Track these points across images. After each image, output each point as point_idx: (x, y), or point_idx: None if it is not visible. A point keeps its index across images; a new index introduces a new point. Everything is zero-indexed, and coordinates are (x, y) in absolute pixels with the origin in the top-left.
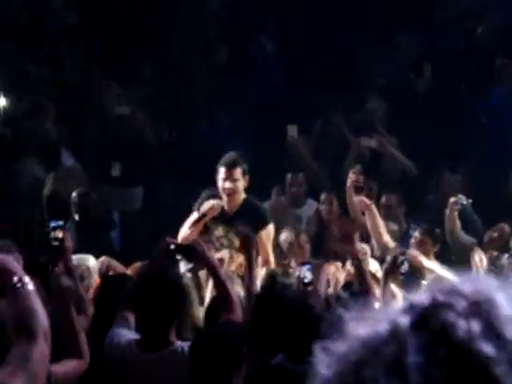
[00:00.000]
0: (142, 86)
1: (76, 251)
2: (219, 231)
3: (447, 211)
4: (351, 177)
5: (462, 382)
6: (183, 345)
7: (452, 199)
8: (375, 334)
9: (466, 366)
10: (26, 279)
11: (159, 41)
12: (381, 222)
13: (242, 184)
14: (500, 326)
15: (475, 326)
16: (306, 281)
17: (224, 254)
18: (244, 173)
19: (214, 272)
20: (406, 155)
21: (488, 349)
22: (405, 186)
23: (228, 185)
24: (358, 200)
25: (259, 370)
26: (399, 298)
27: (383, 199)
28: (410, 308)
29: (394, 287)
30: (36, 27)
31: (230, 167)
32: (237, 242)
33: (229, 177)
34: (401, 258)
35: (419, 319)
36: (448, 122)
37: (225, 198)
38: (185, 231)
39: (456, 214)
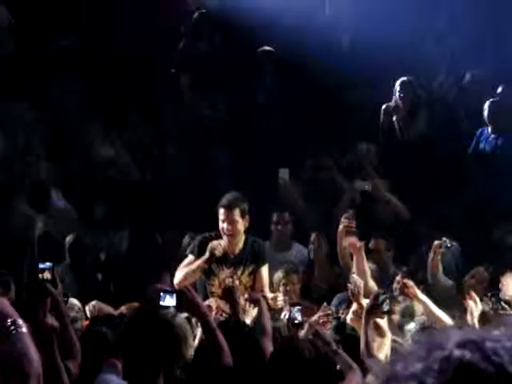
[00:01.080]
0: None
1: (66, 293)
2: (224, 273)
3: (431, 254)
4: (343, 222)
5: None
6: None
7: (436, 242)
8: None
9: None
10: (20, 322)
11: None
12: (367, 268)
13: (241, 224)
14: None
15: None
16: (296, 322)
17: (211, 301)
18: (243, 213)
19: (203, 320)
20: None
21: None
22: (397, 230)
23: (227, 226)
24: (348, 242)
25: None
26: (388, 336)
27: (372, 243)
28: (436, 370)
29: (383, 326)
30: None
31: (229, 208)
32: (245, 281)
33: (227, 218)
34: (382, 296)
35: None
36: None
37: (225, 239)
38: (186, 272)
39: (439, 257)
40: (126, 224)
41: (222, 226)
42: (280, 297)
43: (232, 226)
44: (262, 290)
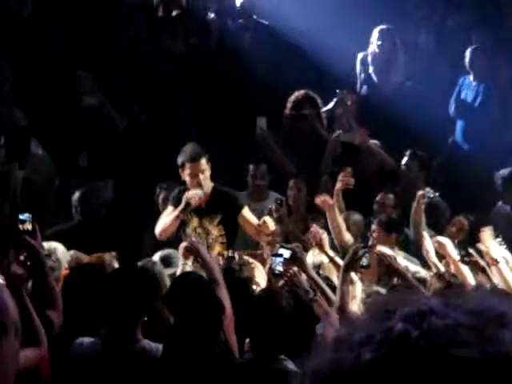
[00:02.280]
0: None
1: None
2: (194, 223)
3: (414, 204)
4: (342, 179)
5: None
6: (150, 343)
7: (420, 192)
8: (337, 364)
9: None
10: None
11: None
12: (341, 222)
13: (208, 172)
14: None
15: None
16: (276, 272)
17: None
18: (207, 160)
19: (210, 270)
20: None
21: None
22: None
23: (198, 178)
24: (320, 200)
25: (228, 369)
26: (358, 287)
27: (379, 196)
28: (375, 338)
29: (353, 275)
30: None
31: (196, 160)
32: (213, 231)
33: (196, 170)
34: (362, 251)
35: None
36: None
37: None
38: (164, 223)
39: (423, 207)
40: (110, 173)
41: (192, 179)
42: (269, 220)
43: (203, 176)
44: (258, 231)
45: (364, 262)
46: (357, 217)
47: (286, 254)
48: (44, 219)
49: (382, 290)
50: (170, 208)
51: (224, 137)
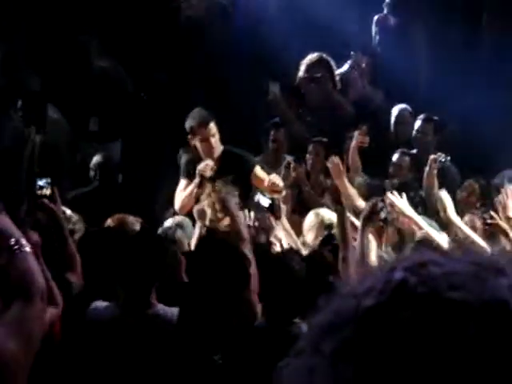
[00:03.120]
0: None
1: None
2: (207, 188)
3: (426, 169)
4: (357, 137)
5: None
6: (165, 308)
7: (432, 157)
8: (338, 314)
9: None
10: (23, 241)
11: None
12: (352, 190)
13: (217, 136)
14: None
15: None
16: (265, 205)
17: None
18: (214, 123)
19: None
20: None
21: None
22: None
23: (208, 143)
24: (331, 163)
25: (243, 333)
26: (373, 246)
27: (395, 158)
28: (376, 288)
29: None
30: None
31: (206, 124)
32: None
33: (207, 134)
34: (380, 204)
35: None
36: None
37: (206, 156)
38: (182, 199)
39: (435, 172)
40: (120, 136)
41: (203, 144)
42: (276, 178)
43: (213, 140)
44: (271, 189)
45: (383, 215)
46: (360, 180)
47: (265, 202)
48: (62, 184)
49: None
50: (182, 181)
51: (237, 103)
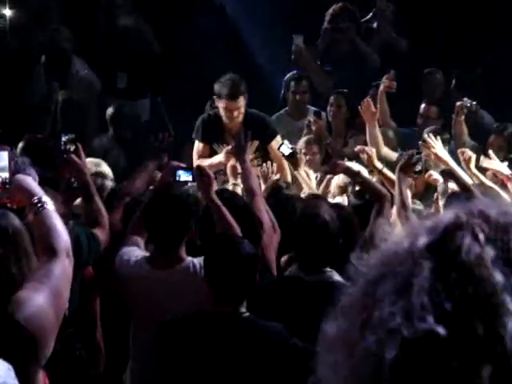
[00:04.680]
0: None
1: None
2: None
3: (454, 116)
4: (385, 82)
5: (466, 309)
6: (194, 261)
7: (458, 103)
8: (394, 253)
9: (472, 291)
10: (46, 199)
11: None
12: (379, 135)
13: (243, 108)
14: None
15: (489, 252)
16: (285, 154)
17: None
18: (245, 96)
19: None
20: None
21: (497, 276)
22: None
23: (234, 114)
24: (364, 106)
25: (274, 281)
26: (409, 197)
27: (422, 108)
28: (432, 228)
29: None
30: None
31: (235, 98)
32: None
33: (233, 107)
34: (416, 156)
35: (436, 241)
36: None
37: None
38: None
39: (463, 118)
40: (147, 93)
41: (229, 114)
42: (285, 165)
43: (238, 112)
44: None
45: (418, 167)
46: (390, 133)
47: (287, 151)
48: (87, 139)
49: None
50: (198, 144)
51: (259, 53)
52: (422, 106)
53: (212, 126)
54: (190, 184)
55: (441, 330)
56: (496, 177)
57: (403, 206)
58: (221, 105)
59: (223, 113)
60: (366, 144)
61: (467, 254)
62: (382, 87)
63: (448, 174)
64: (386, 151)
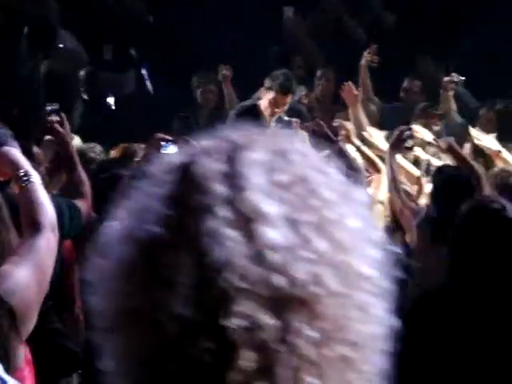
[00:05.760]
0: None
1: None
2: None
3: (442, 91)
4: (367, 56)
5: (185, 214)
6: None
7: (446, 78)
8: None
9: (194, 203)
10: (32, 172)
11: None
12: (363, 117)
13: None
14: (242, 172)
15: (215, 167)
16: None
17: None
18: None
19: None
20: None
21: (219, 188)
22: None
23: (280, 109)
24: (345, 89)
25: None
26: (383, 172)
27: (405, 83)
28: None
29: (381, 165)
30: None
31: (288, 94)
32: None
33: (284, 102)
34: (406, 132)
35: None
36: None
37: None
38: None
39: (451, 93)
40: (133, 65)
41: (272, 108)
42: None
43: (283, 108)
44: None
45: (409, 143)
46: (373, 108)
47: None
48: (71, 110)
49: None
50: None
51: (250, 25)
52: (406, 80)
53: (250, 115)
54: None
55: (157, 230)
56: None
57: (394, 180)
58: (268, 97)
59: (266, 107)
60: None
61: (197, 168)
62: (363, 61)
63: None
64: (369, 131)
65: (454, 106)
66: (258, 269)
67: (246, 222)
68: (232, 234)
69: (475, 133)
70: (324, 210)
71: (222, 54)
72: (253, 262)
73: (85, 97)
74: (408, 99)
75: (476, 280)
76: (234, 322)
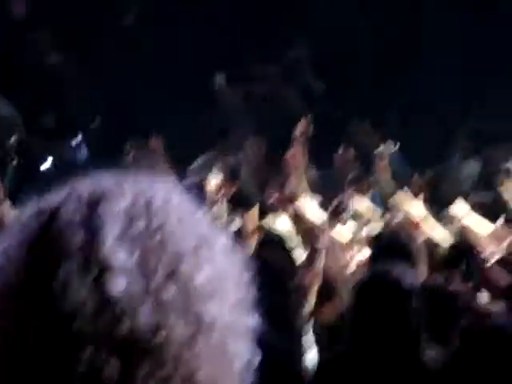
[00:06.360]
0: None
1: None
2: None
3: (377, 160)
4: (301, 127)
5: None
6: None
7: (380, 148)
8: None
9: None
10: None
11: None
12: (305, 182)
13: None
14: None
15: (78, 215)
16: None
17: None
18: None
19: None
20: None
21: (75, 238)
22: None
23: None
24: (288, 155)
25: None
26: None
27: (340, 151)
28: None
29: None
30: None
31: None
32: None
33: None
34: (344, 203)
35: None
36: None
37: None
38: None
39: (386, 161)
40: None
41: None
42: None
43: None
44: None
45: (345, 216)
46: (311, 174)
47: None
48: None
49: None
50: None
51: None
52: (340, 148)
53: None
54: None
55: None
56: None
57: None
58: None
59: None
60: (283, 186)
61: (59, 215)
62: (297, 131)
63: None
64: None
65: (387, 173)
66: (104, 317)
67: (97, 270)
68: (82, 282)
69: (402, 198)
70: (178, 258)
71: (156, 124)
72: (100, 310)
73: (15, 163)
74: (342, 167)
75: (371, 347)
76: (80, 369)
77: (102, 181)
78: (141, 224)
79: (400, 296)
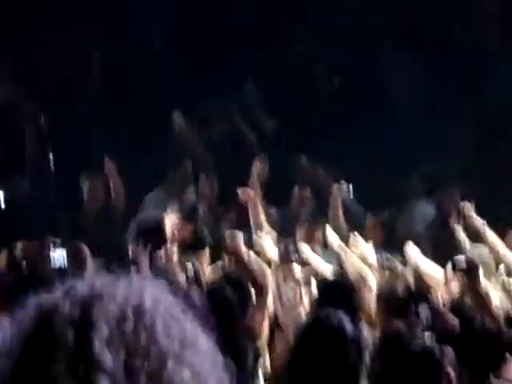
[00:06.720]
0: None
1: None
2: None
3: (330, 199)
4: (257, 168)
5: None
6: None
7: (335, 186)
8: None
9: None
10: None
11: None
12: (263, 218)
13: None
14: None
15: (71, 315)
16: None
17: None
18: None
19: None
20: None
21: (67, 337)
22: None
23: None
24: (241, 191)
25: None
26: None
27: (296, 190)
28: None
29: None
30: None
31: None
32: None
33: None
34: (291, 246)
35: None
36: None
37: None
38: None
39: (339, 201)
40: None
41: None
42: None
43: None
44: None
45: (296, 258)
46: (270, 211)
47: None
48: None
49: None
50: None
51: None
52: (296, 187)
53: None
54: None
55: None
56: None
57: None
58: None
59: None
60: (237, 225)
61: (53, 315)
62: (253, 170)
63: None
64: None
65: (340, 213)
66: None
67: (85, 368)
68: (70, 380)
69: (354, 241)
70: (162, 360)
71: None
72: None
73: None
74: (297, 205)
75: None
76: None
77: (98, 281)
78: (128, 326)
79: (338, 342)
